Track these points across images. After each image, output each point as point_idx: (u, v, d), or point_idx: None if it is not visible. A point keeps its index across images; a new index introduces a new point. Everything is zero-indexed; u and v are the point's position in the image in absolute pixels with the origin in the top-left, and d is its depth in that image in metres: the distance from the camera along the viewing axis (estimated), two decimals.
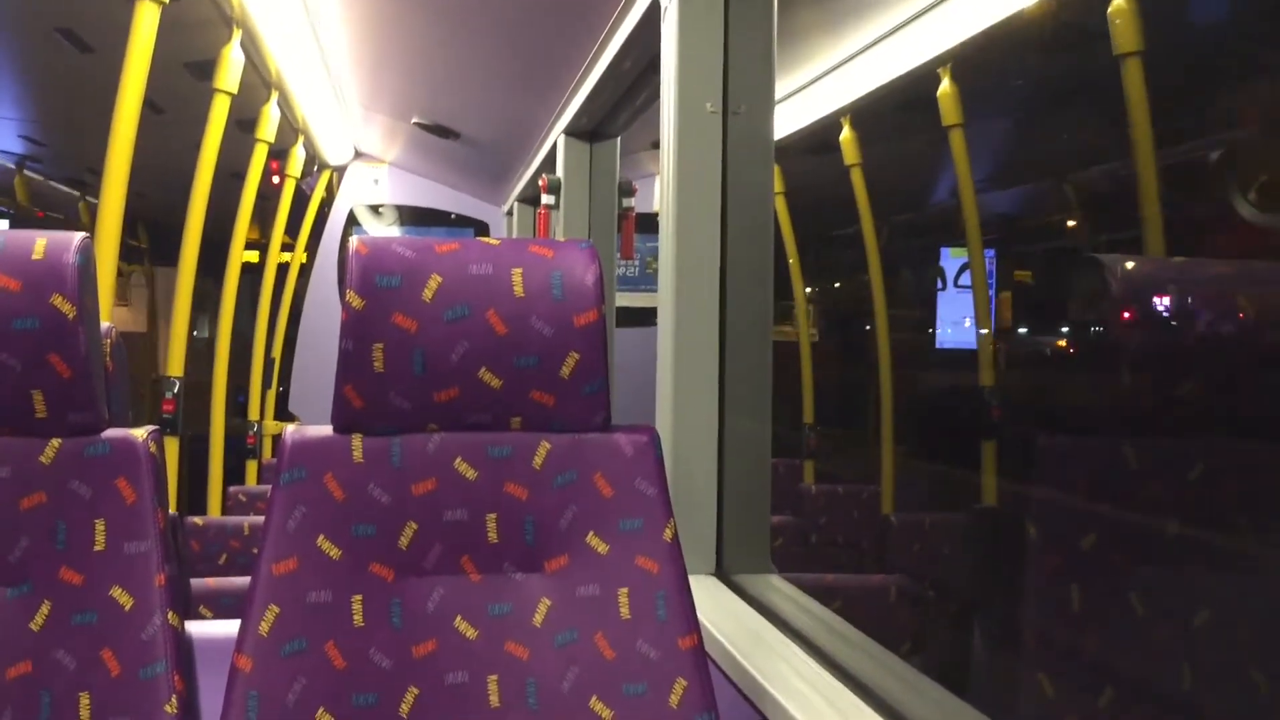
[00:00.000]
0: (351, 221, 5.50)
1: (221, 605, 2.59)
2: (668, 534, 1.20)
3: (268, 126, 4.14)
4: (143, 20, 2.42)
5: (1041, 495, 1.35)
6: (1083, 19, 2.56)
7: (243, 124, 3.97)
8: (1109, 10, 2.38)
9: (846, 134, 4.08)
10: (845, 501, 4.03)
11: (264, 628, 1.13)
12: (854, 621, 1.70)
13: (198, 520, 3.46)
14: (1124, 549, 1.33)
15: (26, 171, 6.32)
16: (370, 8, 3.05)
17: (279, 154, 4.73)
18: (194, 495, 4.60)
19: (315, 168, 5.45)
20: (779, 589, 1.83)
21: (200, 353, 4.41)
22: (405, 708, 1.15)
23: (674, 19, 1.89)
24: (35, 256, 1.19)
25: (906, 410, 4.38)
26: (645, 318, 3.76)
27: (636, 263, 4.80)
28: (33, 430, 1.22)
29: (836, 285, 7.33)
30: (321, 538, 1.16)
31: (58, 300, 1.18)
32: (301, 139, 4.87)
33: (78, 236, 1.22)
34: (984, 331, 3.76)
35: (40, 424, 1.21)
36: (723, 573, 1.89)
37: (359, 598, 1.16)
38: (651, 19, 2.07)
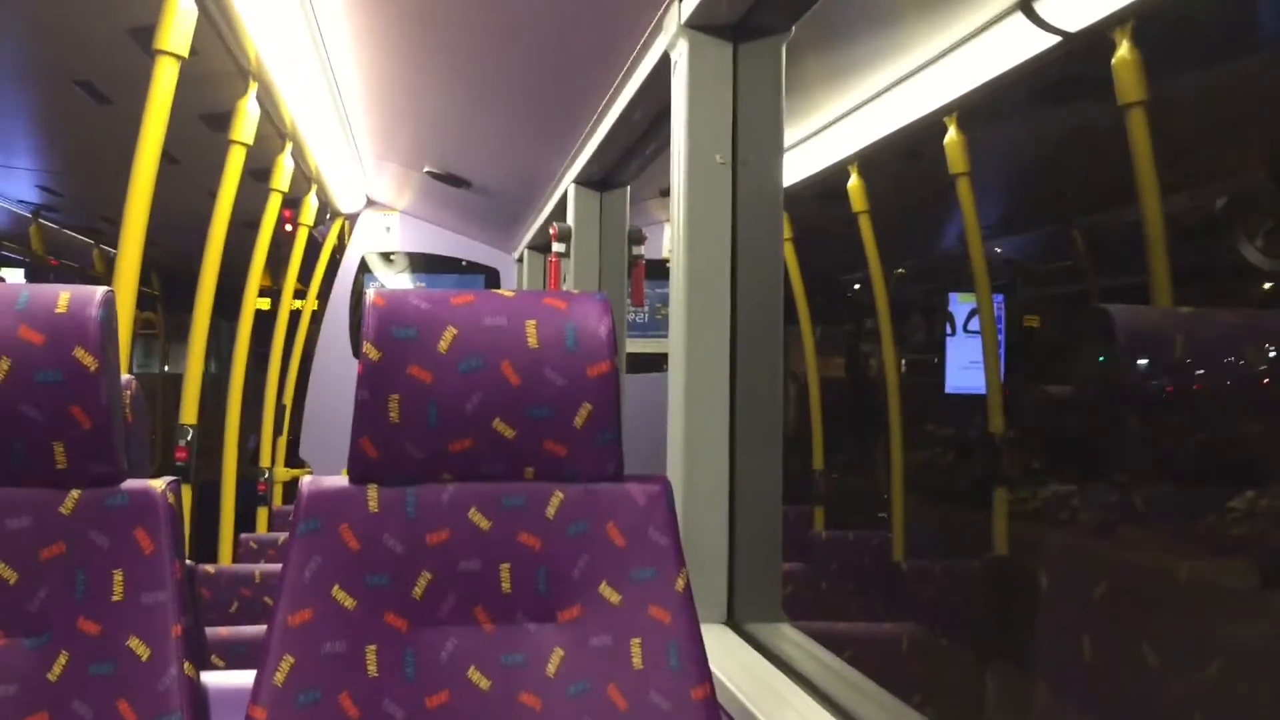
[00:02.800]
0: (363, 269, 5.54)
1: (234, 654, 2.59)
2: (679, 584, 1.21)
3: (282, 176, 4.19)
4: (162, 74, 2.46)
5: (1052, 544, 1.35)
6: (1087, 69, 2.59)
7: (257, 173, 4.02)
8: (1113, 61, 2.41)
9: (854, 181, 4.12)
10: (856, 548, 4.02)
11: (279, 678, 1.14)
12: (865, 670, 1.70)
13: (209, 568, 3.46)
14: (1136, 597, 1.33)
15: (42, 220, 6.39)
16: (384, 60, 3.10)
17: (292, 202, 4.78)
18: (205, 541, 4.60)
19: (328, 216, 5.50)
20: (790, 638, 1.83)
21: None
22: None
23: (683, 72, 1.92)
24: (59, 310, 1.21)
25: (917, 457, 4.38)
26: (655, 363, 3.78)
27: (646, 309, 4.83)
28: (53, 481, 1.23)
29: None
30: (336, 588, 1.17)
31: (80, 353, 1.20)
32: (315, 188, 4.92)
33: (100, 290, 1.24)
34: (993, 376, 3.75)
35: (61, 475, 1.23)
36: (734, 622, 1.89)
37: (373, 648, 1.17)
38: (661, 72, 2.10)
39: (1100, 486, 1.37)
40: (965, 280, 4.03)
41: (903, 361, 4.54)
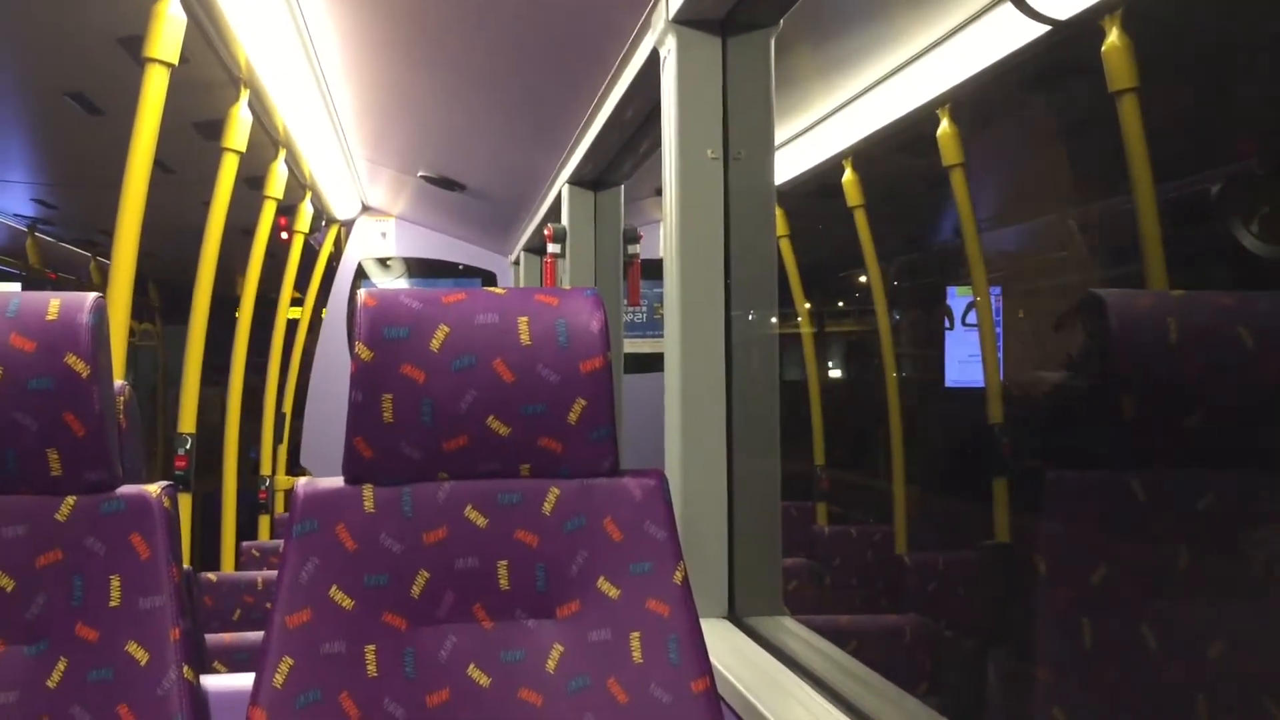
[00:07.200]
0: (360, 275, 5.54)
1: (236, 660, 2.59)
2: (678, 577, 1.20)
3: (276, 183, 4.19)
4: (152, 83, 2.46)
5: (1051, 530, 1.35)
6: (1078, 57, 2.59)
7: (251, 181, 4.02)
8: (1103, 49, 2.41)
9: (849, 176, 4.12)
10: (858, 543, 4.02)
11: (278, 680, 1.14)
12: (869, 663, 1.70)
13: (211, 576, 3.46)
14: (1135, 582, 1.33)
15: (38, 234, 6.39)
16: (375, 65, 3.10)
17: (287, 210, 4.78)
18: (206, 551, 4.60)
19: (323, 222, 5.50)
20: (792, 631, 1.83)
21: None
22: None
23: (673, 67, 1.92)
24: (50, 317, 1.21)
25: (917, 450, 4.37)
26: (654, 363, 3.77)
27: (644, 309, 4.82)
28: (48, 488, 1.23)
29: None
30: (334, 588, 1.17)
31: (72, 359, 1.20)
32: (309, 195, 4.92)
33: (91, 296, 1.24)
34: (992, 369, 3.75)
35: (55, 482, 1.23)
36: (735, 615, 1.89)
37: (372, 647, 1.17)
38: (651, 68, 2.10)
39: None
40: (963, 274, 4.03)
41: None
